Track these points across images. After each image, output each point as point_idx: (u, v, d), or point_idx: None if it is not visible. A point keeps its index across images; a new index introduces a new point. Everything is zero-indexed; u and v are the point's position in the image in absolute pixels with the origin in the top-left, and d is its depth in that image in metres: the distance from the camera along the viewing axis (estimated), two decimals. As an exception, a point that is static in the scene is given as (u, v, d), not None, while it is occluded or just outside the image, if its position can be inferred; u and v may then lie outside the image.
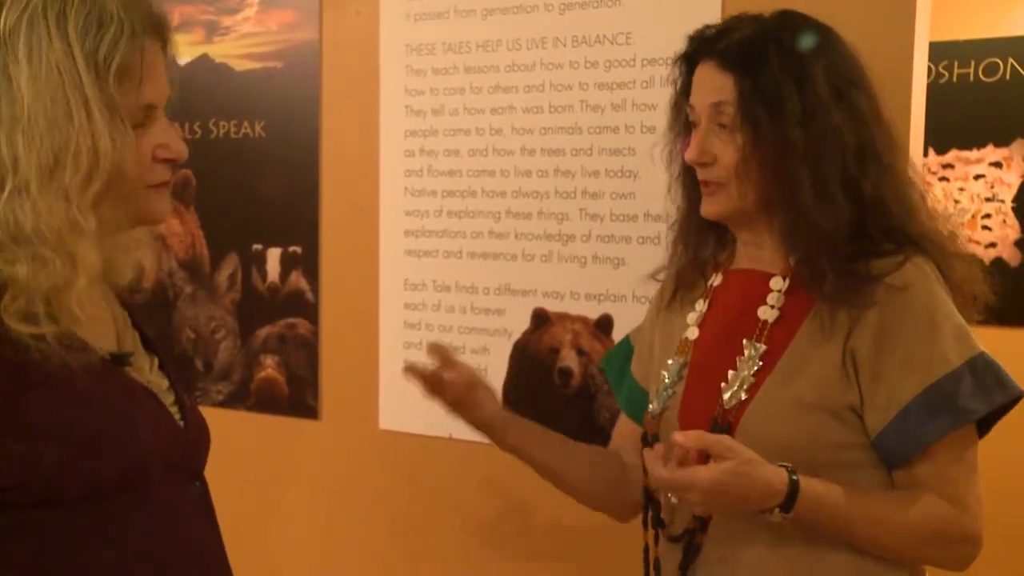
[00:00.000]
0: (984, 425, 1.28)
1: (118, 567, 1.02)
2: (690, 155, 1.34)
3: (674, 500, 1.30)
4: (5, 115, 0.96)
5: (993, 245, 3.14)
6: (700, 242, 1.46)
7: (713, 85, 1.31)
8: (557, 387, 1.93)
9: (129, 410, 1.04)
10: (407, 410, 2.09)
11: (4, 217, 0.96)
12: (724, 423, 1.30)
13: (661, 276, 1.54)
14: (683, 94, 1.40)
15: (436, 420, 2.05)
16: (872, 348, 1.25)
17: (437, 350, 1.48)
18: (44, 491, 0.97)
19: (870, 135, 1.31)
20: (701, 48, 1.36)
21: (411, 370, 1.47)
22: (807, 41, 1.31)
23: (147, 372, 1.13)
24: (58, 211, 0.97)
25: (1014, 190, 3.10)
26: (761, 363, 1.31)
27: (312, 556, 2.24)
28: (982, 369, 1.25)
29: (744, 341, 1.33)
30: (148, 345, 1.18)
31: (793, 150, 1.27)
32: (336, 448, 2.18)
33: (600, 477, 1.54)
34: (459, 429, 2.02)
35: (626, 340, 1.60)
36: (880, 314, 1.25)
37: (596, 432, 1.88)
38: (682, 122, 1.41)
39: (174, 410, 1.12)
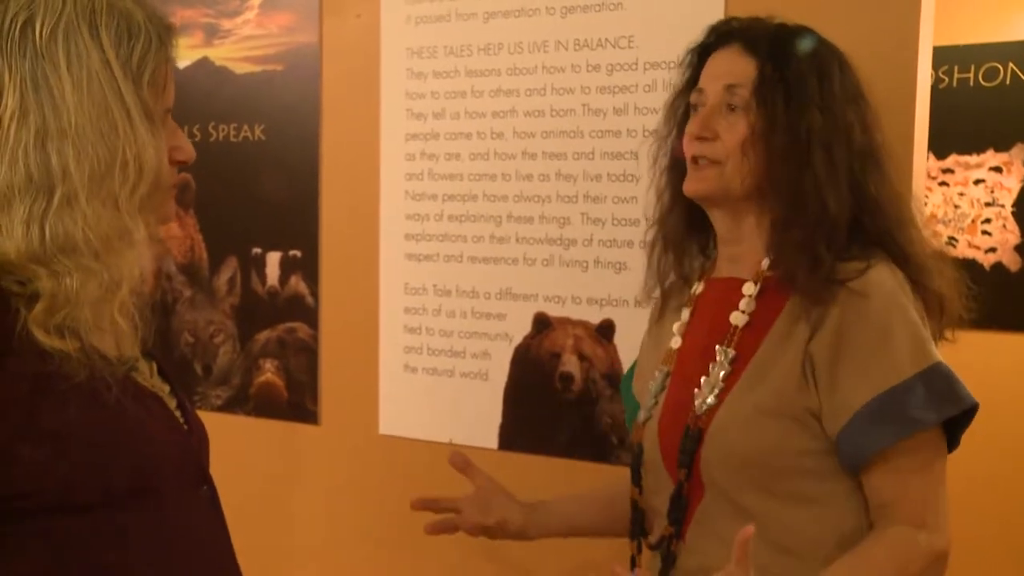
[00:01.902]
0: (951, 438, 1.28)
1: (135, 572, 1.01)
2: (693, 127, 1.34)
3: None
4: (52, 127, 0.96)
5: (993, 250, 3.14)
6: (681, 246, 1.46)
7: (732, 68, 1.33)
8: (558, 392, 1.92)
9: (140, 415, 1.04)
10: (407, 415, 2.08)
11: (54, 230, 0.96)
12: (695, 430, 1.31)
13: (656, 294, 1.53)
14: (688, 86, 1.41)
15: (436, 425, 2.05)
16: (829, 353, 1.25)
17: (457, 462, 1.58)
18: (59, 497, 0.97)
19: (874, 141, 1.33)
20: (724, 36, 1.37)
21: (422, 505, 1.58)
22: (825, 50, 1.36)
23: (148, 377, 1.12)
24: (107, 220, 0.98)
25: (1014, 195, 3.09)
26: (731, 369, 1.32)
27: (312, 561, 2.22)
28: (935, 380, 1.24)
29: (717, 347, 1.34)
30: (144, 350, 1.17)
31: (809, 134, 1.28)
32: (336, 453, 2.17)
33: (620, 512, 1.51)
34: (459, 434, 2.02)
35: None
36: (839, 319, 1.25)
37: (597, 437, 1.88)
38: (679, 117, 1.42)
39: (177, 414, 1.12)
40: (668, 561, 1.35)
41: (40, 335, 0.95)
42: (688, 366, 1.39)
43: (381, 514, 2.13)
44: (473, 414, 2.00)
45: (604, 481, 1.62)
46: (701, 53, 1.40)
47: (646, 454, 1.41)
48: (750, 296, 1.34)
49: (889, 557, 1.24)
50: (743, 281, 1.36)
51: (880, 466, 1.24)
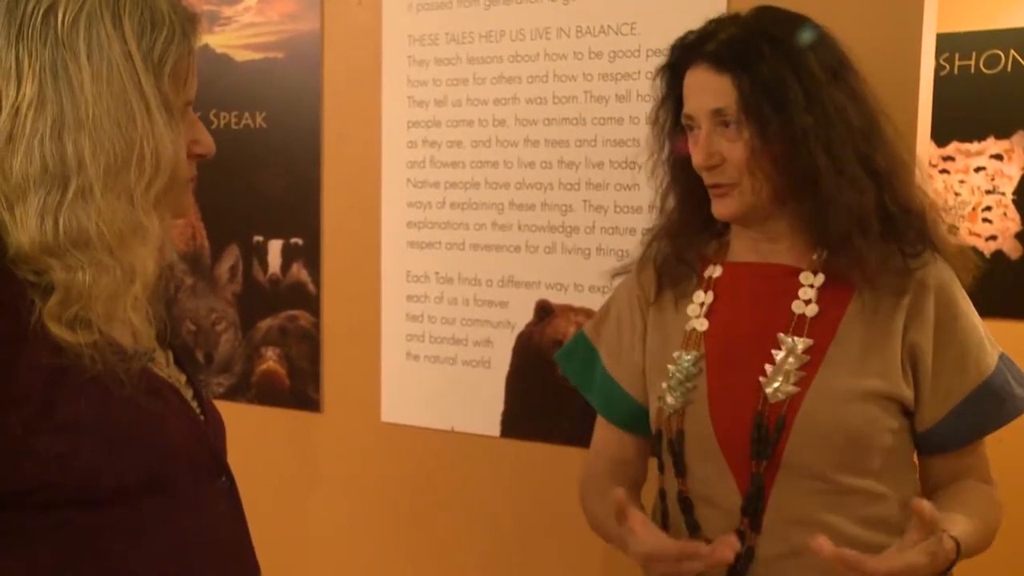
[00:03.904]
0: None
1: (147, 564, 1.01)
2: (698, 159, 1.33)
3: None
4: (69, 117, 0.95)
5: (994, 238, 3.13)
6: (691, 242, 1.45)
7: (710, 89, 1.31)
8: (560, 379, 1.92)
9: (157, 407, 1.03)
10: (409, 403, 2.08)
11: (67, 222, 0.95)
12: (776, 418, 1.30)
13: (624, 274, 1.54)
14: (668, 103, 1.40)
15: (438, 413, 2.05)
16: (932, 344, 1.31)
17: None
18: (75, 490, 0.96)
19: (871, 111, 1.33)
20: (687, 54, 1.35)
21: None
22: (794, 32, 1.32)
23: (165, 367, 1.12)
24: (122, 214, 0.96)
25: (1015, 182, 3.09)
26: (808, 357, 1.32)
27: (315, 548, 2.23)
28: (1009, 362, 1.36)
29: (780, 335, 1.33)
30: (162, 340, 1.17)
31: (805, 137, 1.27)
32: (338, 441, 2.18)
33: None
34: (461, 422, 2.03)
35: (583, 340, 1.57)
36: (935, 311, 1.31)
37: (599, 424, 1.88)
38: (667, 132, 1.42)
39: (194, 404, 1.12)
40: (746, 556, 1.31)
41: (55, 328, 0.94)
42: (731, 351, 1.37)
43: (383, 501, 2.13)
44: (475, 402, 2.01)
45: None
46: (673, 70, 1.39)
47: (690, 442, 1.37)
48: (810, 286, 1.35)
49: (990, 507, 1.35)
50: (791, 268, 1.36)
51: (973, 445, 1.37)
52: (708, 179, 1.34)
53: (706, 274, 1.44)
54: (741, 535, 1.31)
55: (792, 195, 1.32)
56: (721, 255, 1.44)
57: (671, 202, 1.46)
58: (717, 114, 1.31)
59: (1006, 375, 1.34)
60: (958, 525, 1.24)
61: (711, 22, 1.37)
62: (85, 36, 0.95)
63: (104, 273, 0.96)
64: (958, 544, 1.21)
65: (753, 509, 1.31)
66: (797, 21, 1.34)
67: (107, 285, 0.96)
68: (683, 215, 1.45)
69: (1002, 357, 1.35)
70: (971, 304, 1.35)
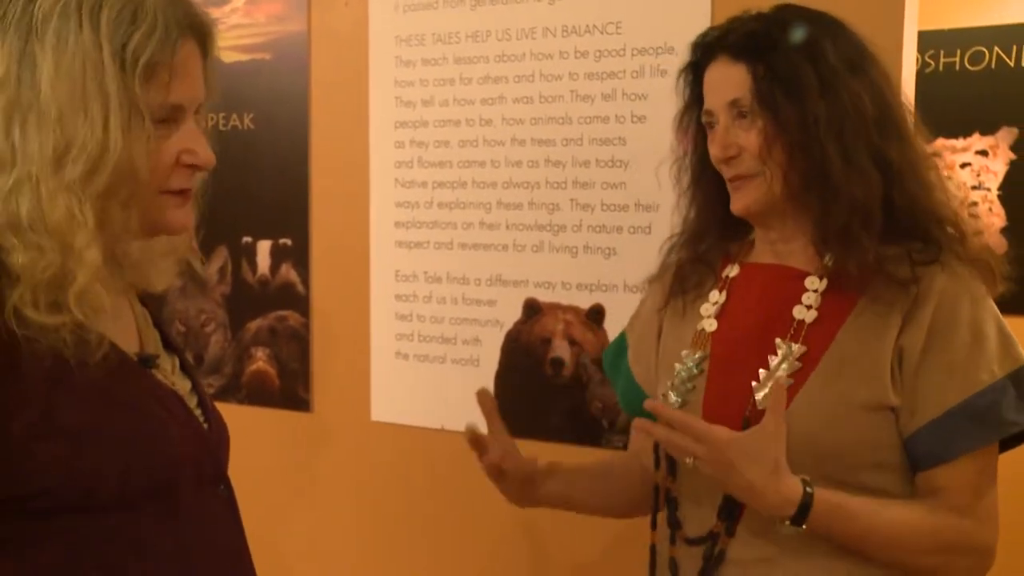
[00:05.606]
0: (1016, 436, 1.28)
1: (147, 572, 1.01)
2: (715, 151, 1.33)
3: (689, 462, 1.24)
4: (24, 102, 0.94)
5: (979, 233, 3.15)
6: (710, 244, 1.44)
7: (727, 82, 1.31)
8: (549, 377, 1.93)
9: (159, 414, 1.03)
10: (399, 402, 2.09)
11: (6, 204, 0.94)
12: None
13: (655, 278, 1.53)
14: (693, 103, 1.39)
15: (427, 411, 2.06)
16: (921, 349, 1.24)
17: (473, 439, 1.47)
18: (76, 496, 0.96)
19: (888, 105, 1.31)
20: (707, 50, 1.35)
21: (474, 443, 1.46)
22: (812, 24, 1.32)
23: (170, 374, 1.11)
24: (59, 202, 0.95)
25: (1000, 178, 3.11)
26: (800, 364, 1.28)
27: (305, 548, 2.24)
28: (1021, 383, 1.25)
29: (777, 340, 1.31)
30: (168, 345, 1.16)
31: (816, 124, 1.26)
32: (328, 440, 2.18)
33: (610, 490, 1.53)
34: (451, 420, 2.03)
35: (622, 336, 1.59)
36: (932, 316, 1.24)
37: (587, 422, 1.89)
38: (692, 134, 1.41)
39: (197, 412, 1.11)
40: (717, 557, 1.30)
41: (28, 311, 0.93)
42: (732, 353, 1.35)
43: (373, 500, 2.14)
44: (464, 400, 2.00)
45: (601, 463, 1.60)
46: (694, 69, 1.39)
47: None
48: (815, 291, 1.31)
49: (936, 528, 1.24)
50: (799, 272, 1.34)
51: (949, 464, 1.25)
52: (727, 172, 1.33)
53: (724, 273, 1.42)
54: (715, 537, 1.31)
55: (804, 186, 1.29)
56: (743, 255, 1.43)
57: (699, 204, 1.45)
58: (733, 105, 1.30)
59: (1005, 395, 1.23)
60: (831, 493, 1.21)
61: (732, 19, 1.37)
62: (56, 26, 0.95)
63: (40, 256, 0.94)
64: (808, 489, 1.19)
65: (728, 513, 1.30)
66: (817, 16, 1.33)
67: (45, 269, 0.95)
68: (702, 217, 1.44)
69: (1014, 373, 1.24)
70: (987, 317, 1.25)
